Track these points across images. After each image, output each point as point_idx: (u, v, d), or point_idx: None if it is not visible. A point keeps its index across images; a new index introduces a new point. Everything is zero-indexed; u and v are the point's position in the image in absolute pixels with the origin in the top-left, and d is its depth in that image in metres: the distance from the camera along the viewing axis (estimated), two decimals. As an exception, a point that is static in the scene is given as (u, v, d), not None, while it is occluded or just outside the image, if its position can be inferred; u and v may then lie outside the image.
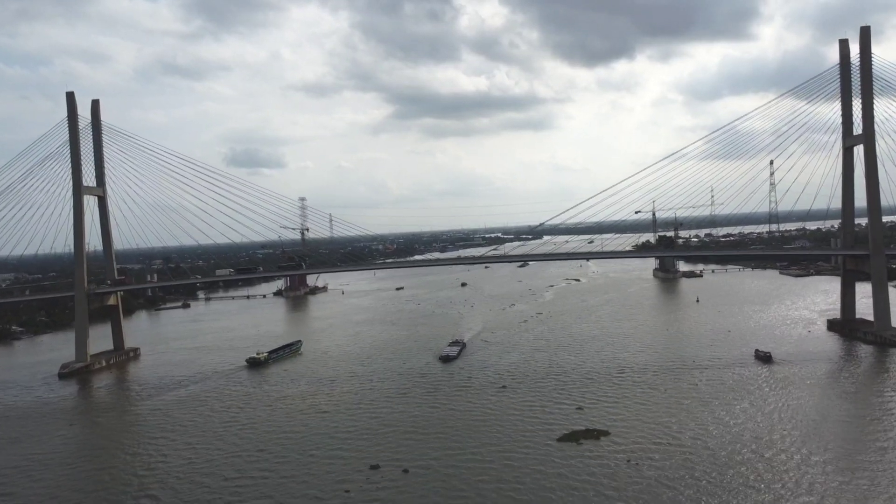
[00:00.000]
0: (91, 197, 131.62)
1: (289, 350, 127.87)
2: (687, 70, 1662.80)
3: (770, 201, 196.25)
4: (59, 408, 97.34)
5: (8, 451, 77.06)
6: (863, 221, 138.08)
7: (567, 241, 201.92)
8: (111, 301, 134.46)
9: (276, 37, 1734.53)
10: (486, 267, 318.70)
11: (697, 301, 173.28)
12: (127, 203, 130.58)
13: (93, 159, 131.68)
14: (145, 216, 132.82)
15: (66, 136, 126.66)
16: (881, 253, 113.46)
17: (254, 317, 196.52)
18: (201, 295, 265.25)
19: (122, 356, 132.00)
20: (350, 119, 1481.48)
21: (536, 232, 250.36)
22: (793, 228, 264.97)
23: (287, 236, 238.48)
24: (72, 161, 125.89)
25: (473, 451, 68.13)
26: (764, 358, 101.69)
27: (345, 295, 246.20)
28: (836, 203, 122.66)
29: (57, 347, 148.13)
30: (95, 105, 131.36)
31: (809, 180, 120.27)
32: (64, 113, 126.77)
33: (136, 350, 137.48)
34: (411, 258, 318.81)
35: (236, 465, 68.04)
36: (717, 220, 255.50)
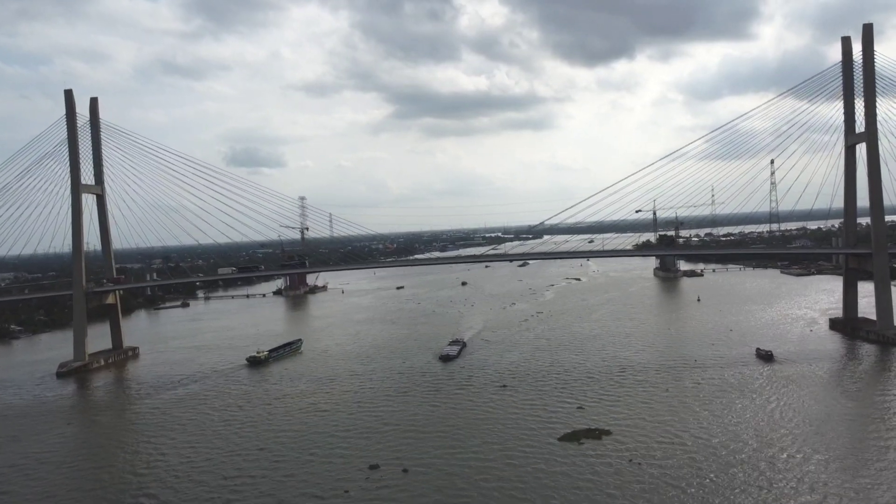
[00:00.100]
0: (90, 195, 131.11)
1: (289, 349, 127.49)
2: (687, 70, 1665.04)
3: (771, 201, 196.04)
4: (56, 407, 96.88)
5: (5, 450, 76.59)
6: (864, 221, 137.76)
7: (567, 241, 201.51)
8: (110, 300, 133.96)
9: (275, 36, 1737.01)
10: (487, 266, 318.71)
11: (698, 300, 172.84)
12: (126, 202, 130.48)
13: (91, 157, 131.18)
14: (144, 215, 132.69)
15: (64, 134, 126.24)
16: (884, 252, 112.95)
17: (253, 316, 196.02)
18: (201, 294, 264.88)
19: (120, 355, 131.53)
20: (350, 118, 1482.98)
21: (536, 231, 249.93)
22: (793, 228, 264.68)
23: (287, 235, 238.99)
24: (70, 159, 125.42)
25: (474, 450, 67.67)
26: (765, 357, 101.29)
27: (345, 294, 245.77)
28: (838, 202, 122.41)
29: (56, 346, 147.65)
30: (94, 103, 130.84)
31: (811, 179, 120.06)
32: (63, 111, 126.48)
33: (134, 349, 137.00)
34: (411, 257, 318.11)
35: (236, 463, 67.62)
36: (718, 220, 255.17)
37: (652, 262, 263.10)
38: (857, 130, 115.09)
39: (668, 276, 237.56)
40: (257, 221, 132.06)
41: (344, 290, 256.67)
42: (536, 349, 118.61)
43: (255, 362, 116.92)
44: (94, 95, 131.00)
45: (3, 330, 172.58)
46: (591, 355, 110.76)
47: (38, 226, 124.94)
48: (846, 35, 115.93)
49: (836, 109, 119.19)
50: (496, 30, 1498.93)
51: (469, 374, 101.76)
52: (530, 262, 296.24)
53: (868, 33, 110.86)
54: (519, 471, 61.47)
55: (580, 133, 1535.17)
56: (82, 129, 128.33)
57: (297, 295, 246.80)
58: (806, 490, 54.56)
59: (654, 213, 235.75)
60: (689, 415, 75.44)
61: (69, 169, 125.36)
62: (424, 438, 72.23)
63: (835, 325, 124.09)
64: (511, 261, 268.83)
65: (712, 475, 58.13)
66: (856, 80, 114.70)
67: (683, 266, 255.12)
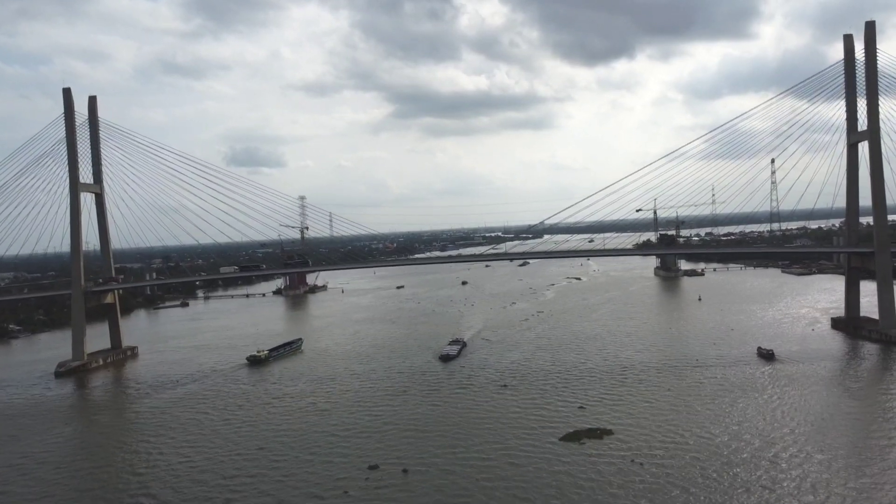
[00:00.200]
0: (88, 194, 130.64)
1: (289, 348, 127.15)
2: (687, 69, 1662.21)
3: (771, 200, 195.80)
4: (55, 406, 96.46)
5: (4, 450, 76.13)
6: (865, 220, 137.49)
7: (567, 241, 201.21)
8: (108, 299, 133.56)
9: (275, 36, 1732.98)
10: (487, 265, 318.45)
11: (699, 299, 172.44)
12: (125, 201, 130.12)
13: (90, 156, 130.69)
14: (144, 215, 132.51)
15: (63, 133, 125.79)
16: (886, 250, 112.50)
17: (253, 315, 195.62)
18: (200, 294, 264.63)
19: (119, 355, 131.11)
20: (350, 118, 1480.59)
21: (536, 231, 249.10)
22: (794, 227, 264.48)
23: (287, 235, 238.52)
24: (68, 157, 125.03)
25: (475, 449, 67.26)
26: (766, 356, 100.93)
27: (344, 293, 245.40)
28: (839, 202, 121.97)
29: (55, 346, 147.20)
30: (92, 101, 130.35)
31: (813, 178, 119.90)
32: (62, 110, 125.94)
33: (133, 349, 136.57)
34: (412, 257, 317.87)
35: (236, 463, 67.23)
36: (719, 220, 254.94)
37: (652, 262, 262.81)
38: (860, 129, 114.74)
39: (668, 275, 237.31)
40: (257, 221, 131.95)
41: (344, 289, 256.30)
42: (537, 348, 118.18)
43: (255, 361, 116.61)
44: (94, 94, 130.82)
45: (3, 329, 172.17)
46: (593, 355, 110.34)
47: (36, 225, 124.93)
48: (848, 33, 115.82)
49: (837, 108, 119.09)
50: (496, 29, 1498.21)
51: (469, 373, 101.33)
52: (530, 261, 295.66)
53: (870, 31, 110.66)
54: (520, 470, 61.03)
55: (580, 133, 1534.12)
56: (81, 128, 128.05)
57: (296, 294, 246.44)
58: (808, 490, 54.17)
59: (655, 213, 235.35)
60: (690, 414, 75.07)
61: (67, 168, 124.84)
62: (424, 438, 71.83)
63: (837, 324, 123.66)
64: (511, 260, 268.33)
65: (715, 475, 57.72)
66: (858, 78, 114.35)
67: (684, 265, 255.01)
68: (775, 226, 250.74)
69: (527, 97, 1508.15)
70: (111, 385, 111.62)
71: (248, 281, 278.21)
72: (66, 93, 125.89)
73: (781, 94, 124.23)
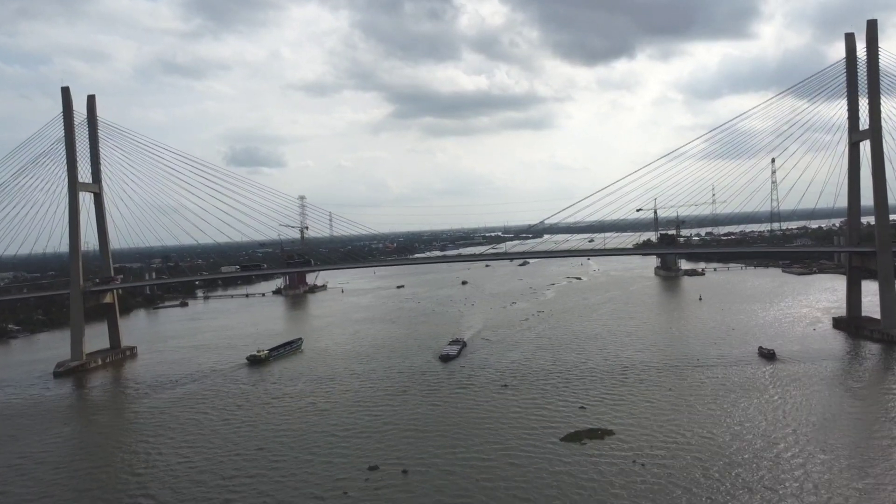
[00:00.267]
0: (87, 194, 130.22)
1: (289, 348, 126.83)
2: (687, 69, 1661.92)
3: (772, 200, 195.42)
4: (53, 406, 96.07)
5: (2, 450, 75.79)
6: (866, 220, 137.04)
7: (567, 240, 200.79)
8: (107, 299, 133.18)
9: (275, 36, 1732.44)
10: (487, 265, 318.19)
11: (700, 299, 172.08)
12: (124, 201, 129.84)
13: (89, 156, 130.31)
14: (143, 215, 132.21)
15: (61, 132, 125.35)
16: (888, 250, 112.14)
17: (253, 315, 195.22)
18: (200, 293, 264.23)
19: (118, 355, 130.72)
20: (350, 118, 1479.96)
21: (536, 231, 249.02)
22: (794, 227, 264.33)
23: (287, 235, 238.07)
24: (67, 156, 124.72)
25: (475, 450, 66.93)
26: (767, 355, 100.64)
27: (344, 293, 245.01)
28: (840, 202, 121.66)
29: (54, 346, 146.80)
30: (91, 100, 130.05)
31: (814, 178, 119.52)
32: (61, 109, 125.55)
33: (132, 349, 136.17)
34: (412, 256, 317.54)
35: (235, 463, 66.89)
36: (719, 219, 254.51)
37: (653, 261, 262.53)
38: (861, 128, 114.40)
39: (669, 275, 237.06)
40: (256, 221, 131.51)
41: (343, 289, 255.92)
42: (538, 348, 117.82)
43: (255, 361, 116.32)
44: (92, 94, 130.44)
45: (2, 329, 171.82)
46: (593, 354, 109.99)
47: (35, 225, 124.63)
48: (850, 32, 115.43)
49: (838, 108, 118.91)
50: (496, 29, 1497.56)
51: (469, 373, 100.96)
52: (530, 261, 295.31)
53: (872, 29, 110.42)
54: (521, 471, 60.69)
55: (580, 133, 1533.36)
56: (79, 128, 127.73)
57: (296, 294, 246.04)
58: (811, 490, 53.89)
59: (655, 212, 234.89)
60: (692, 414, 74.74)
61: (66, 167, 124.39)
62: (424, 438, 71.50)
63: (838, 323, 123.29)
64: (511, 259, 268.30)
65: (717, 475, 57.40)
66: (859, 77, 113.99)
67: (684, 265, 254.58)
68: (775, 225, 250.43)
69: (527, 97, 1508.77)
70: (110, 385, 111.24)
71: (248, 281, 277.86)
72: (65, 92, 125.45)
73: (782, 93, 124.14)
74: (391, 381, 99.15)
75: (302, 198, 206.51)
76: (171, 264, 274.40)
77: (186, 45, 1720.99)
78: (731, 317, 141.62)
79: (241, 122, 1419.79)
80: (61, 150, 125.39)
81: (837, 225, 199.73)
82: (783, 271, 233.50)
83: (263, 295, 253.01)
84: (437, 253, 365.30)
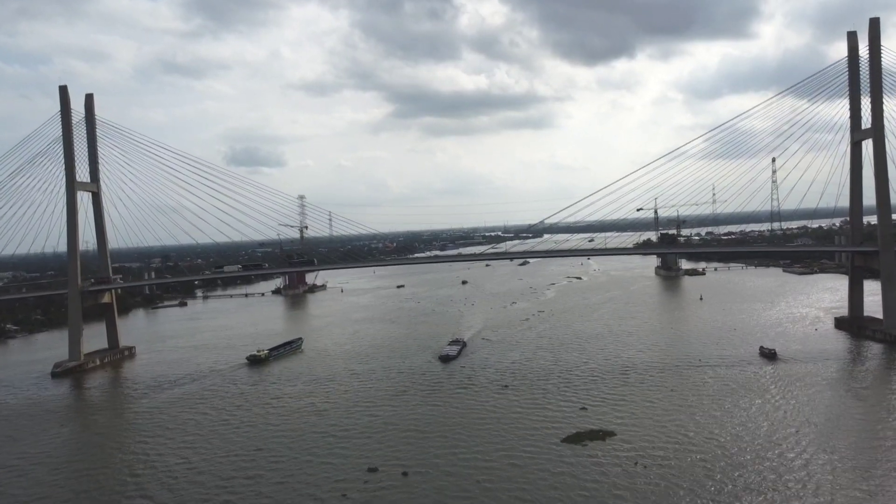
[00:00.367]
0: (85, 193, 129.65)
1: (289, 348, 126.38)
2: (687, 69, 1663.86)
3: (772, 199, 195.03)
4: (51, 407, 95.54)
5: (0, 451, 75.21)
6: (867, 219, 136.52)
7: (567, 240, 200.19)
8: (106, 299, 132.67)
9: (275, 35, 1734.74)
10: (487, 265, 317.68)
11: (700, 299, 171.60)
12: (123, 201, 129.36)
13: (87, 155, 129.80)
14: (143, 214, 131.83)
15: (59, 131, 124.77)
16: (890, 249, 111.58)
17: (252, 315, 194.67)
18: (199, 293, 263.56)
19: (116, 355, 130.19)
20: (350, 118, 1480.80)
21: (536, 230, 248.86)
22: (795, 227, 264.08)
23: (286, 235, 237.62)
24: (65, 156, 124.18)
25: (476, 451, 66.46)
26: (769, 355, 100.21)
27: (344, 293, 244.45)
28: (842, 201, 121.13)
29: (52, 346, 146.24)
30: (89, 99, 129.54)
31: (815, 178, 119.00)
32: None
33: (131, 349, 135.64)
34: (411, 256, 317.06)
35: (234, 464, 66.43)
36: (720, 219, 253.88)
37: (653, 261, 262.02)
38: (863, 127, 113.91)
39: (669, 274, 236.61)
40: (256, 220, 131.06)
41: (343, 288, 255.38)
42: (538, 348, 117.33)
43: (255, 361, 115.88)
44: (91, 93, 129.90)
45: (0, 329, 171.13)
46: (594, 355, 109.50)
47: (34, 224, 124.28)
48: (852, 30, 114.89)
49: (839, 107, 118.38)
50: (496, 29, 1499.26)
51: (470, 374, 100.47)
52: (531, 260, 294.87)
53: (875, 28, 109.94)
54: (522, 472, 60.24)
55: (580, 132, 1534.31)
56: (77, 127, 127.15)
57: (296, 294, 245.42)
58: (813, 491, 53.54)
59: (656, 212, 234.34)
60: (694, 415, 74.28)
61: (64, 166, 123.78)
62: (424, 439, 71.04)
63: (840, 323, 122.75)
64: (511, 259, 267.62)
65: (720, 476, 57.00)
66: (861, 75, 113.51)
67: (685, 265, 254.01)
68: (776, 225, 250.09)
69: (527, 97, 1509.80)
70: (108, 385, 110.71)
71: (247, 280, 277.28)
72: (62, 90, 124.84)
73: (782, 92, 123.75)
74: (391, 381, 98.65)
75: (301, 197, 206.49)
76: (170, 264, 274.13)
77: (186, 45, 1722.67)
78: (732, 316, 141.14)
79: (241, 121, 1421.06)
80: (59, 149, 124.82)
81: (838, 225, 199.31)
82: (784, 271, 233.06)
83: (263, 295, 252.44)
84: (437, 252, 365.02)
